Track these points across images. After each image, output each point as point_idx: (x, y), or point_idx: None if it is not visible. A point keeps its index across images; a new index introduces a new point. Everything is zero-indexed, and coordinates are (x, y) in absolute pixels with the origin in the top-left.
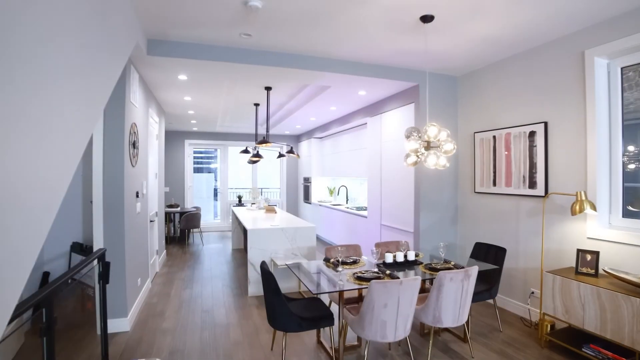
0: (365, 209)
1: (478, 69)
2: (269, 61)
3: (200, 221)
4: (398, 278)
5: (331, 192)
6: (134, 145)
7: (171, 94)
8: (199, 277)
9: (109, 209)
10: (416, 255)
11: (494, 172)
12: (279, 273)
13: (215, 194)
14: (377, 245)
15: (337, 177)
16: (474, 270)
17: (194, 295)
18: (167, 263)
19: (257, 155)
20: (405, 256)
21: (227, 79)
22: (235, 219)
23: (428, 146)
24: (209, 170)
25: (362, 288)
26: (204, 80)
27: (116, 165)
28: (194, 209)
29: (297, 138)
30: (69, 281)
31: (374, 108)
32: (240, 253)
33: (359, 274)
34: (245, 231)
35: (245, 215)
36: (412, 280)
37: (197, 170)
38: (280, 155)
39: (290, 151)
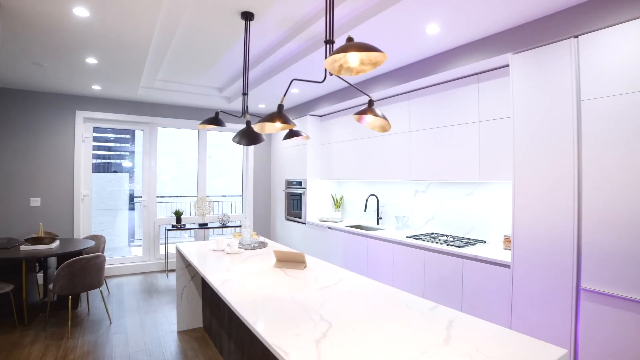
0: (471, 243)
1: None
2: None
3: (104, 270)
4: None
5: (337, 204)
6: None
7: None
8: None
9: None
10: None
11: None
12: None
13: (132, 201)
14: None
15: (371, 180)
16: None
17: None
18: None
19: (281, 117)
20: None
21: None
22: (181, 258)
23: None
24: (121, 169)
25: None
26: None
27: None
28: (90, 245)
29: None
30: None
31: (553, 23)
32: (204, 354)
33: None
34: (207, 286)
35: (220, 278)
36: None
37: (100, 169)
38: (292, 134)
39: (369, 108)
